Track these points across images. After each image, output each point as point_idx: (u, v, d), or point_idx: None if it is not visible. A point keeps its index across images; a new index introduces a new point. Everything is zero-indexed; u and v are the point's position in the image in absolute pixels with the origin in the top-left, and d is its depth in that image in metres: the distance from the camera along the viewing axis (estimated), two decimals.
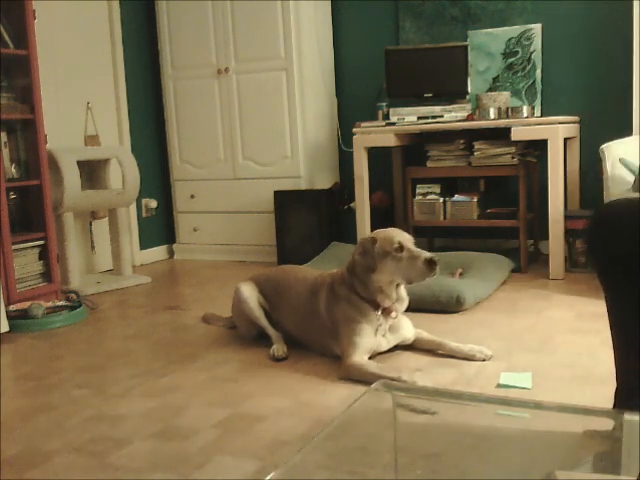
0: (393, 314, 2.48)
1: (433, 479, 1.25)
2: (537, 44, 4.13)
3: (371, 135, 4.06)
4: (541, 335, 2.71)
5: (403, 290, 2.51)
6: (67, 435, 1.98)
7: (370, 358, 2.44)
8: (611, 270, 1.52)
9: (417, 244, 2.45)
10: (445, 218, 4.04)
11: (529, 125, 3.68)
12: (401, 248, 2.38)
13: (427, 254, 2.35)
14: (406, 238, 2.42)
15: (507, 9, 4.20)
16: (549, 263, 3.64)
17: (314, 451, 1.22)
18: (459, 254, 3.70)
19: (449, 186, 4.11)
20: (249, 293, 2.77)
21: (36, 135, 3.45)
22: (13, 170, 3.46)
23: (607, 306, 1.58)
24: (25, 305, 3.24)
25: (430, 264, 2.33)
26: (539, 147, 3.88)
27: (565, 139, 3.80)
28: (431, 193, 4.07)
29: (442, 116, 3.99)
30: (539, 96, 4.15)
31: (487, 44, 4.25)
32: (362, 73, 4.63)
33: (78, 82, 4.34)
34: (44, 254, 3.53)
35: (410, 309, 2.60)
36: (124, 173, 4.05)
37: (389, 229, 2.50)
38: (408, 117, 4.05)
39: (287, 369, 2.46)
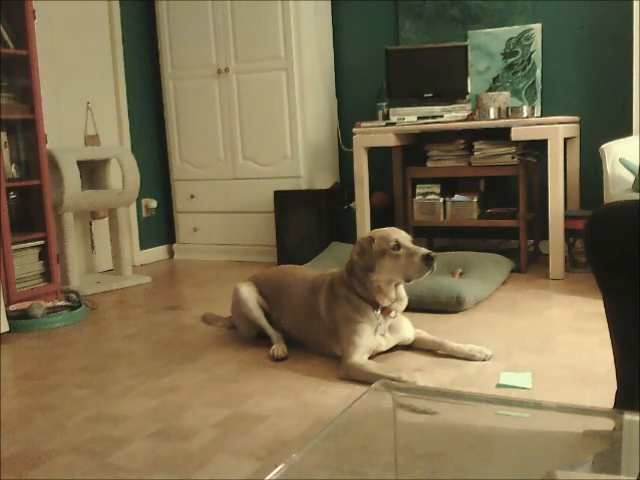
0: (392, 314, 2.48)
1: (433, 479, 1.25)
2: (537, 44, 4.13)
3: (371, 135, 4.05)
4: (541, 335, 2.71)
5: (402, 290, 2.51)
6: (67, 435, 1.98)
7: (370, 358, 2.44)
8: (609, 274, 1.52)
9: (415, 243, 2.45)
10: (445, 218, 4.04)
11: (529, 125, 3.68)
12: (398, 246, 2.38)
13: (424, 250, 2.35)
14: (403, 236, 2.43)
15: (507, 9, 4.20)
16: (549, 263, 3.64)
17: (314, 451, 1.22)
18: (459, 254, 3.70)
19: (449, 186, 4.11)
20: (248, 293, 2.77)
21: (36, 135, 3.45)
22: (13, 170, 3.46)
23: (606, 309, 1.58)
24: (25, 305, 3.24)
25: (427, 260, 2.33)
26: (539, 147, 3.88)
27: (565, 139, 3.80)
28: (431, 193, 4.07)
29: (442, 116, 3.99)
30: (539, 96, 4.15)
31: (487, 44, 4.25)
32: (362, 73, 4.63)
33: (78, 82, 4.34)
34: (44, 254, 3.53)
35: (410, 309, 2.60)
36: (124, 173, 4.05)
37: (386, 228, 2.50)
38: (408, 117, 4.05)
39: (287, 369, 2.46)
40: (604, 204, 1.62)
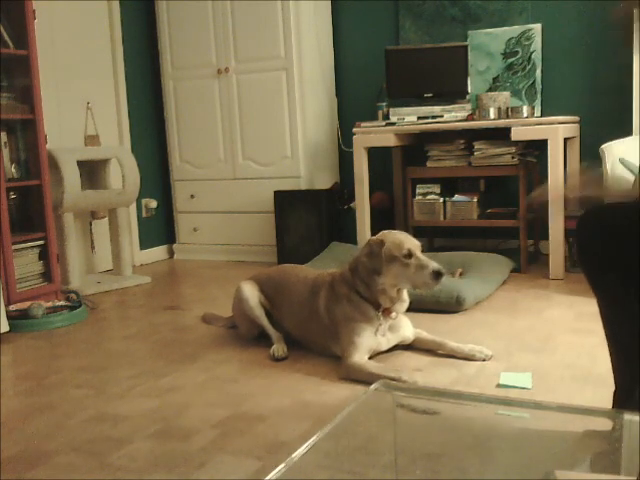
0: (393, 315, 2.48)
1: (433, 479, 1.25)
2: (537, 44, 4.13)
3: (371, 135, 4.05)
4: (541, 335, 2.71)
5: (405, 292, 2.51)
6: (67, 435, 1.98)
7: (370, 358, 2.44)
8: (601, 275, 1.52)
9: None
10: (445, 218, 4.04)
11: (529, 125, 3.68)
12: (410, 255, 2.37)
13: (435, 265, 2.34)
14: (415, 245, 2.41)
15: (507, 9, 4.20)
16: (549, 263, 3.64)
17: (314, 451, 1.22)
18: (459, 254, 3.70)
19: (449, 186, 4.11)
20: (250, 292, 2.77)
21: (36, 135, 3.45)
22: (13, 170, 3.46)
23: (600, 310, 1.59)
24: (25, 305, 3.24)
25: (436, 276, 2.33)
26: (539, 147, 3.88)
27: (565, 139, 3.80)
28: (431, 193, 4.07)
29: (442, 116, 3.99)
30: (539, 96, 4.15)
31: (487, 44, 4.25)
32: (362, 73, 4.63)
33: (78, 82, 4.34)
34: (44, 254, 3.53)
35: (410, 309, 2.60)
36: (124, 173, 4.05)
37: (397, 232, 2.48)
38: (408, 117, 4.05)
39: (287, 369, 2.46)
40: (593, 205, 1.62)
